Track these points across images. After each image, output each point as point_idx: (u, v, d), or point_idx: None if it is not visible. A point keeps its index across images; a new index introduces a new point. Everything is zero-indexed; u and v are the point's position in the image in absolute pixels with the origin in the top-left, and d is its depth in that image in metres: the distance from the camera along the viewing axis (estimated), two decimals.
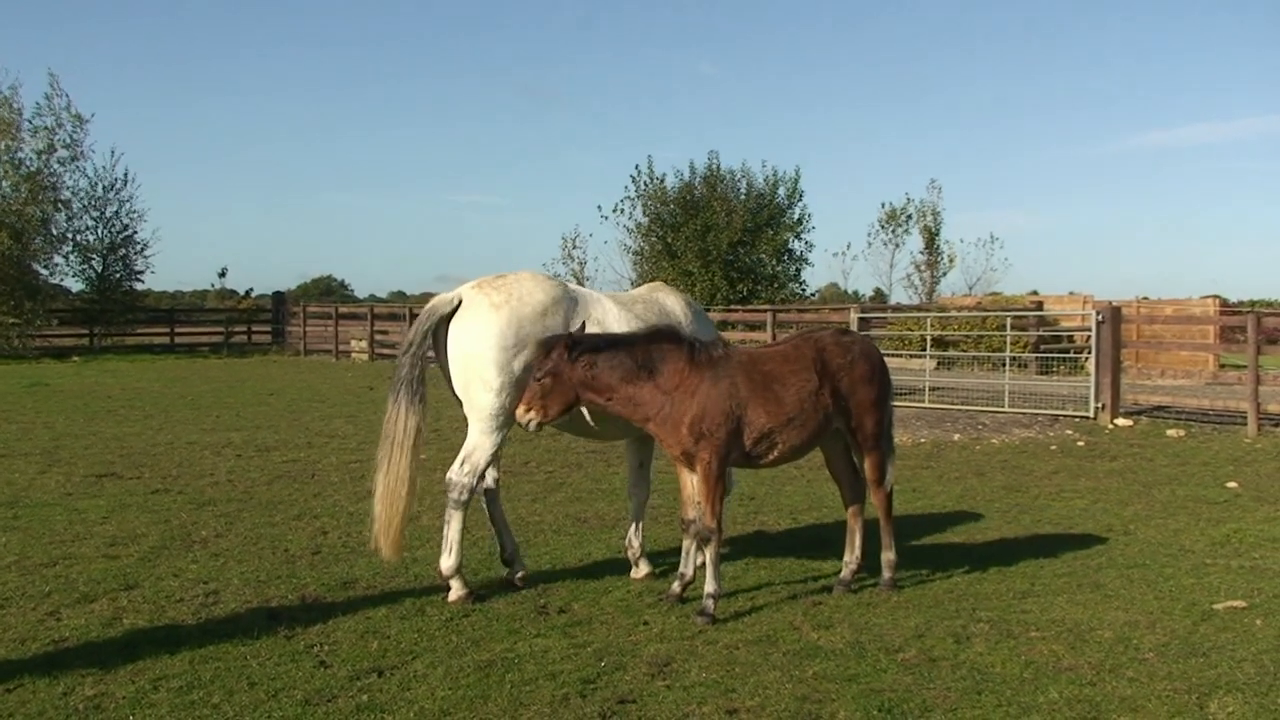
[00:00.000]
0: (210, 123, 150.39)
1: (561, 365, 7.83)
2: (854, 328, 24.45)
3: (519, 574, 8.92)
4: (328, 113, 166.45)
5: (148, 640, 7.37)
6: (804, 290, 51.01)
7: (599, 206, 71.09)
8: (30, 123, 43.13)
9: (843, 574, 8.80)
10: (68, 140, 44.17)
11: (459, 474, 8.53)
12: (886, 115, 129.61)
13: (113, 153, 48.96)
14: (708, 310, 37.38)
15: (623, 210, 50.38)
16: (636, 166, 50.22)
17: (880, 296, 60.09)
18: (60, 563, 9.44)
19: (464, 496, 8.45)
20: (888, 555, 8.82)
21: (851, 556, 8.81)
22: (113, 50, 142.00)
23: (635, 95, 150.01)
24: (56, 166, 44.17)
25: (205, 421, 20.25)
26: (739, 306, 41.43)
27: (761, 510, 12.05)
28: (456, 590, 8.37)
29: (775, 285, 48.05)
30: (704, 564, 8.17)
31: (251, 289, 72.67)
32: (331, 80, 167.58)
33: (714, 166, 48.78)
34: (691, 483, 8.22)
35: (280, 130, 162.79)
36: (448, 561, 8.38)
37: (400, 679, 6.64)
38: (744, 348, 8.72)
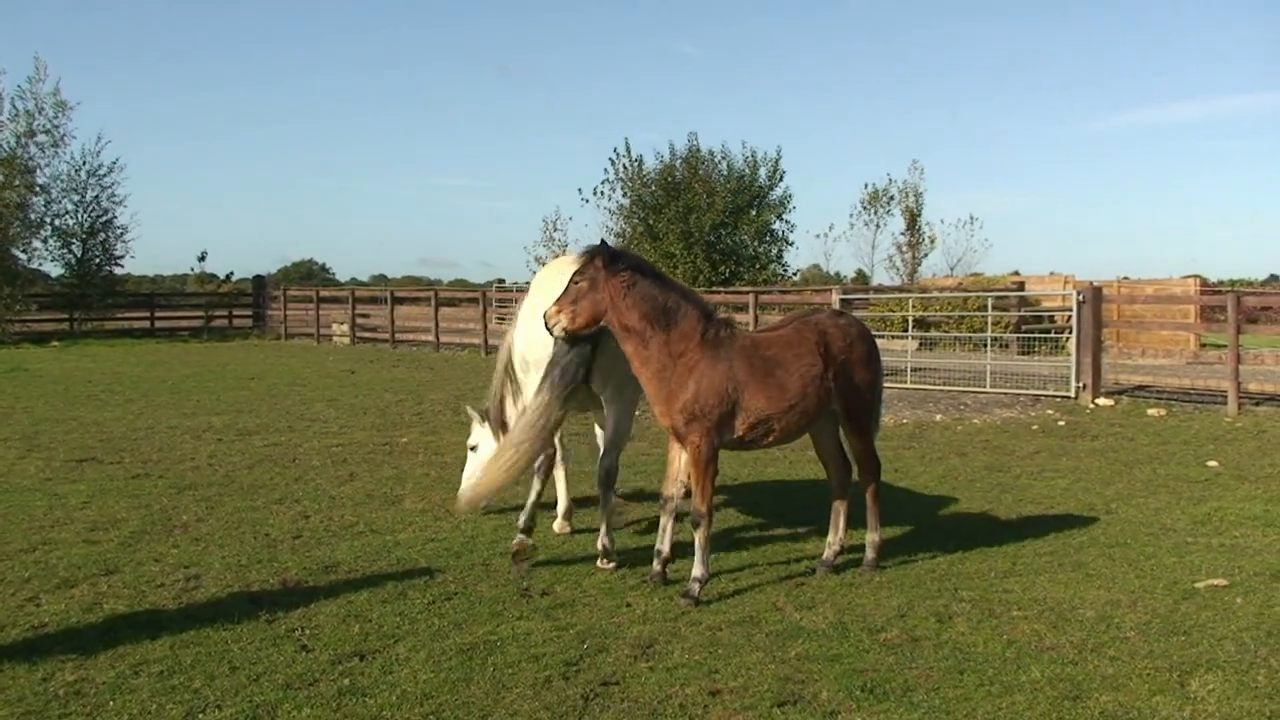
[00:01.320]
0: (189, 106, 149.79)
1: (600, 274, 7.90)
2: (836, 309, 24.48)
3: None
4: (307, 96, 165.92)
5: (128, 625, 7.35)
6: (786, 271, 50.99)
7: (579, 189, 71.10)
8: (13, 105, 42.92)
9: (825, 554, 8.81)
10: (48, 125, 43.94)
11: (615, 459, 9.10)
12: (868, 96, 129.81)
13: (98, 138, 48.81)
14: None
15: (603, 193, 50.28)
16: (615, 149, 50.06)
17: (862, 278, 60.16)
18: (40, 548, 9.40)
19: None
20: (872, 536, 8.82)
21: (835, 538, 8.83)
22: (93, 33, 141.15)
23: (614, 76, 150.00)
24: (35, 150, 43.93)
25: (186, 406, 20.17)
26: (721, 288, 41.38)
27: (744, 492, 12.05)
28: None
29: (757, 266, 48.00)
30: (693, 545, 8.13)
31: (232, 273, 72.49)
32: (311, 64, 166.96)
33: (694, 148, 48.68)
34: (680, 459, 8.22)
35: (260, 114, 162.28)
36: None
37: (382, 662, 6.63)
38: (747, 331, 8.73)
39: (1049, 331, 30.85)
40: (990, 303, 27.16)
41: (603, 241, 8.21)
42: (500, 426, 10.04)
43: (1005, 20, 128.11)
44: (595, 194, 50.17)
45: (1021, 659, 6.67)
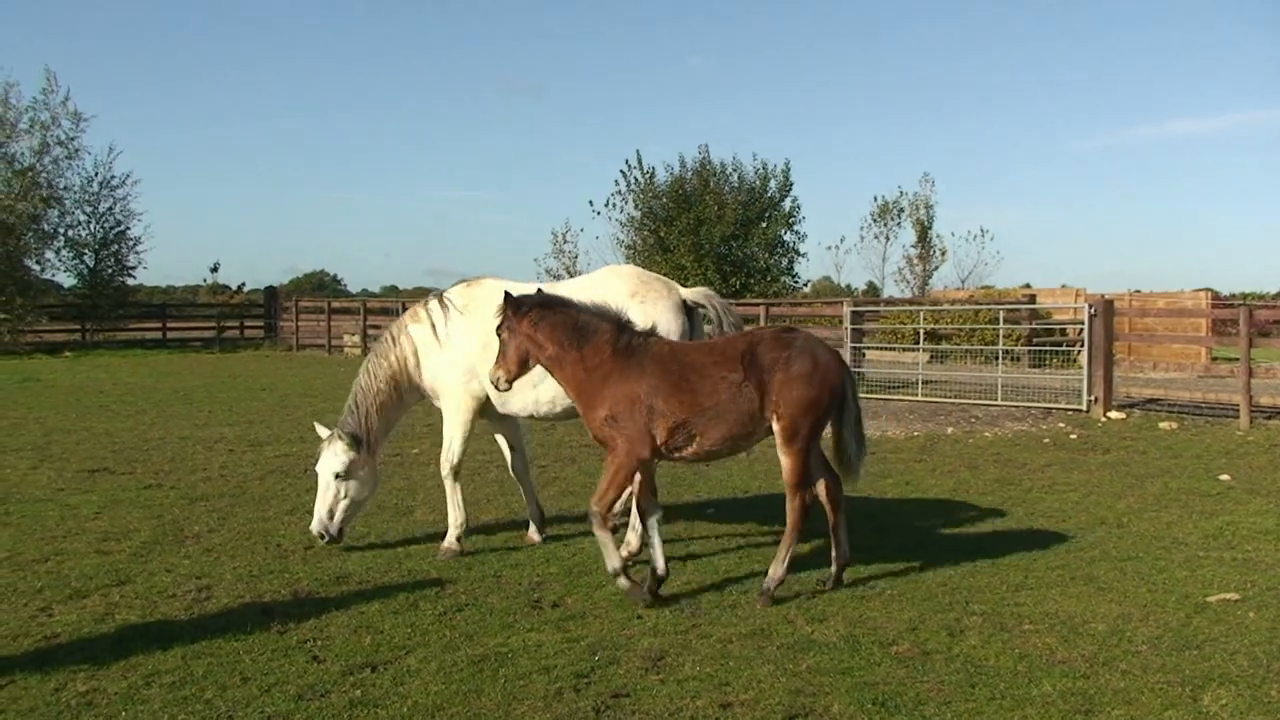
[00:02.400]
0: (201, 118, 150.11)
1: (510, 320, 8.27)
2: (846, 321, 24.48)
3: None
4: (318, 109, 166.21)
5: (140, 636, 7.37)
6: (797, 284, 51.00)
7: (590, 201, 71.06)
8: (27, 116, 43.07)
9: (832, 569, 8.75)
10: (63, 138, 44.11)
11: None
12: (879, 108, 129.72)
13: (110, 150, 48.91)
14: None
15: (614, 205, 50.32)
16: (626, 161, 50.08)
17: (873, 290, 60.08)
18: (52, 559, 9.43)
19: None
20: (778, 569, 8.33)
21: (836, 553, 8.77)
22: (104, 46, 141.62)
23: (625, 89, 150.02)
24: (49, 164, 44.11)
25: (197, 417, 20.22)
26: (732, 300, 41.37)
27: (754, 505, 12.04)
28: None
29: (768, 279, 48.02)
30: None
31: (244, 284, 72.52)
32: (321, 76, 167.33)
33: (705, 160, 48.73)
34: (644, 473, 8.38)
35: (271, 126, 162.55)
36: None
37: (393, 674, 6.64)
38: (668, 340, 8.77)
39: (1060, 344, 30.81)
40: (1001, 315, 27.11)
41: (506, 294, 8.46)
42: (369, 448, 9.96)
43: (1016, 33, 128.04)
44: (606, 206, 50.26)
45: (1033, 673, 6.65)
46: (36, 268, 44.97)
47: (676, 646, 7.12)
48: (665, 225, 47.26)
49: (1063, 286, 41.35)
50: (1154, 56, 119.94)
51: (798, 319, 34.47)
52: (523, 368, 8.37)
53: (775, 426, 8.21)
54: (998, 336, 25.38)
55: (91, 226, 47.54)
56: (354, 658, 6.92)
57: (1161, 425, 18.62)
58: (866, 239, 57.49)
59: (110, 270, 48.30)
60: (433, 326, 10.00)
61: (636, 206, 49.02)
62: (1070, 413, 20.39)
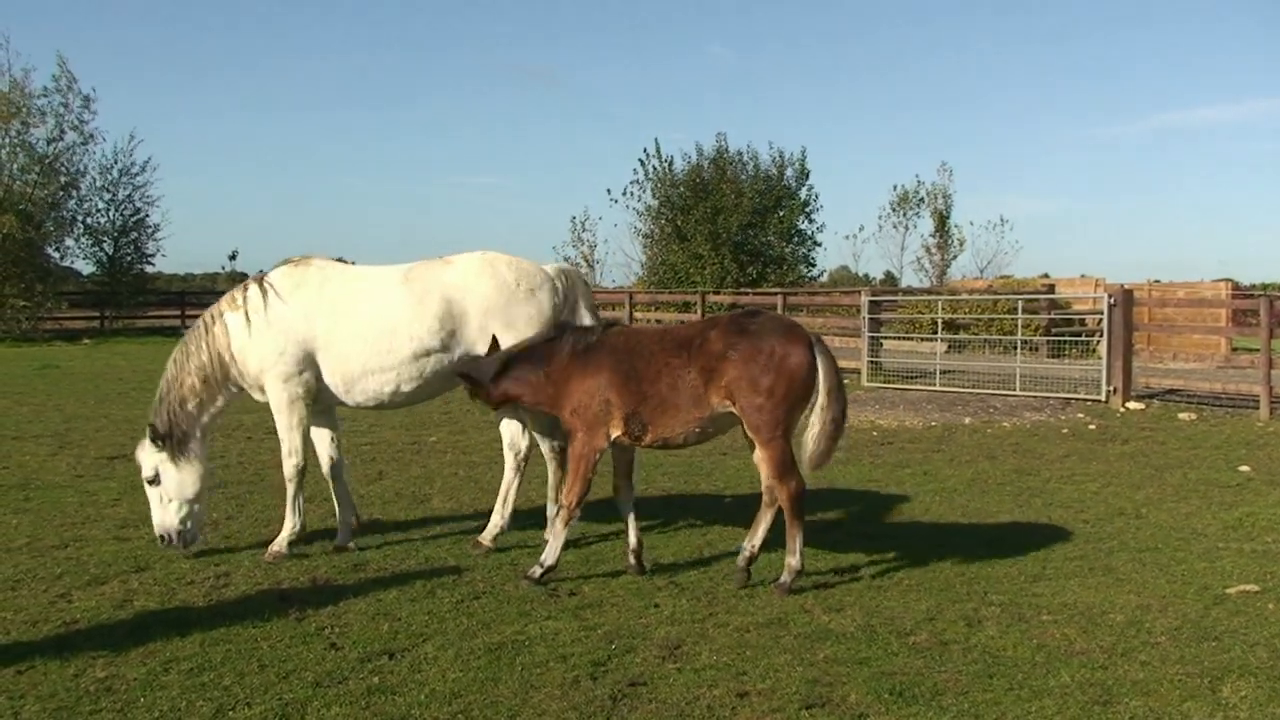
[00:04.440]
0: (218, 106, 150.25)
1: (480, 393, 8.64)
2: (864, 311, 24.41)
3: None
4: (335, 95, 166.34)
5: (158, 622, 7.40)
6: (814, 273, 50.98)
7: (608, 190, 71.08)
8: (39, 102, 43.15)
9: (739, 559, 8.54)
10: (76, 122, 44.21)
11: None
12: (897, 97, 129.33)
13: (131, 137, 49.03)
14: (716, 292, 37.42)
15: (632, 193, 50.37)
16: (645, 150, 50.22)
17: (891, 279, 60.07)
18: (71, 545, 9.47)
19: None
20: (790, 560, 8.28)
21: (749, 542, 8.52)
22: (122, 32, 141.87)
23: (643, 76, 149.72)
24: (65, 150, 44.21)
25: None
26: (749, 289, 41.36)
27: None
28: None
29: (784, 268, 48.00)
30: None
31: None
32: (339, 61, 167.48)
33: (722, 148, 48.72)
34: (621, 459, 8.58)
35: (288, 113, 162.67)
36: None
37: (411, 661, 6.65)
38: (633, 327, 8.88)
39: (1079, 334, 30.73)
40: (1020, 305, 27.03)
41: (466, 375, 8.76)
42: (181, 446, 9.34)
43: (1035, 20, 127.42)
44: (625, 194, 50.29)
45: (1051, 663, 6.64)
46: (56, 255, 45.17)
47: (693, 635, 7.12)
48: (682, 214, 47.29)
49: (1082, 276, 41.19)
50: (1174, 44, 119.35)
51: (815, 308, 34.46)
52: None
53: (739, 414, 8.09)
54: (1016, 326, 25.32)
55: (111, 214, 47.72)
56: (372, 645, 6.93)
57: (1181, 416, 18.55)
58: (884, 228, 57.65)
59: (129, 258, 48.47)
60: (247, 315, 9.40)
61: (654, 195, 49.07)
62: (1089, 403, 20.31)
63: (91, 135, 45.16)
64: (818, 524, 10.40)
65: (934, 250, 55.50)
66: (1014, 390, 21.64)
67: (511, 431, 9.73)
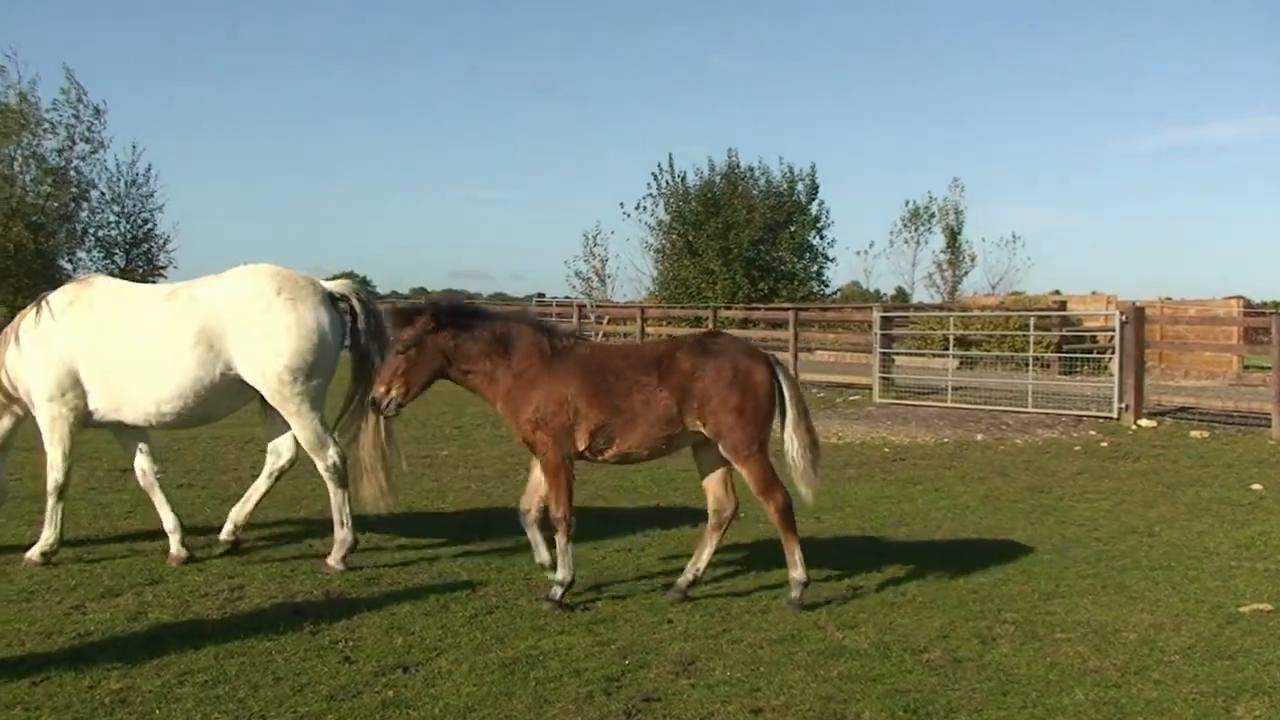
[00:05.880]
0: (229, 118, 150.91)
1: (426, 335, 8.10)
2: (876, 327, 24.40)
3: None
4: (343, 107, 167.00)
5: (173, 635, 7.42)
6: (825, 288, 50.99)
7: (621, 204, 71.08)
8: (49, 115, 43.26)
9: (679, 580, 8.55)
10: (87, 134, 44.29)
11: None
12: (908, 112, 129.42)
13: (134, 147, 49.12)
14: (728, 308, 37.45)
15: (644, 208, 50.47)
16: (659, 164, 50.20)
17: (902, 295, 60.02)
18: (84, 558, 9.49)
19: None
20: (793, 574, 8.32)
21: (691, 565, 8.54)
22: (131, 42, 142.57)
23: (654, 91, 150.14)
24: (77, 160, 44.32)
25: (229, 416, 20.25)
26: (761, 304, 41.37)
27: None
28: None
29: (795, 283, 48.04)
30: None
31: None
32: (346, 73, 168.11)
33: (733, 164, 48.81)
34: (537, 473, 8.44)
35: (295, 126, 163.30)
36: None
37: (425, 675, 6.67)
38: (594, 342, 8.90)
39: (1091, 351, 30.68)
40: (1032, 322, 27.02)
41: (411, 306, 8.48)
42: None
43: (1046, 37, 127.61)
44: (637, 208, 50.39)
45: (1065, 682, 6.64)
46: (68, 266, 45.18)
47: (707, 651, 7.12)
48: (694, 229, 47.36)
49: (1093, 293, 41.23)
50: (1187, 59, 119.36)
51: (826, 324, 34.45)
52: (426, 387, 8.35)
53: (711, 434, 8.15)
54: (1028, 343, 25.31)
55: (121, 226, 47.78)
56: (386, 658, 6.94)
57: (1193, 434, 18.51)
58: (896, 244, 57.46)
59: (141, 269, 48.48)
60: (17, 334, 9.49)
61: (666, 210, 49.16)
62: (1101, 420, 20.28)
63: (102, 144, 45.25)
64: (830, 540, 10.41)
65: (945, 266, 55.48)
66: (1026, 407, 21.60)
67: (280, 438, 9.87)
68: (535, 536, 8.58)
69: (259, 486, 9.75)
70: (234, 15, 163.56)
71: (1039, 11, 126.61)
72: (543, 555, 8.56)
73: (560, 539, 8.22)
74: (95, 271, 46.77)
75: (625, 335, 36.87)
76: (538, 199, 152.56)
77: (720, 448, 8.19)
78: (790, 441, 8.35)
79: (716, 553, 8.59)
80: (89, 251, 46.73)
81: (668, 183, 49.18)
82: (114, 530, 10.53)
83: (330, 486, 9.47)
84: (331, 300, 9.50)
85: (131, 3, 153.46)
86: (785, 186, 48.66)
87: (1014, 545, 10.33)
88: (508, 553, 9.74)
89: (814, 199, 49.09)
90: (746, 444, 8.09)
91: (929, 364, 28.80)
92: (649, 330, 34.75)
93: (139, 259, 48.21)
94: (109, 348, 9.20)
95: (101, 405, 9.35)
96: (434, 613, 7.95)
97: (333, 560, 9.24)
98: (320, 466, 9.50)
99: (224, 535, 9.64)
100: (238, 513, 9.63)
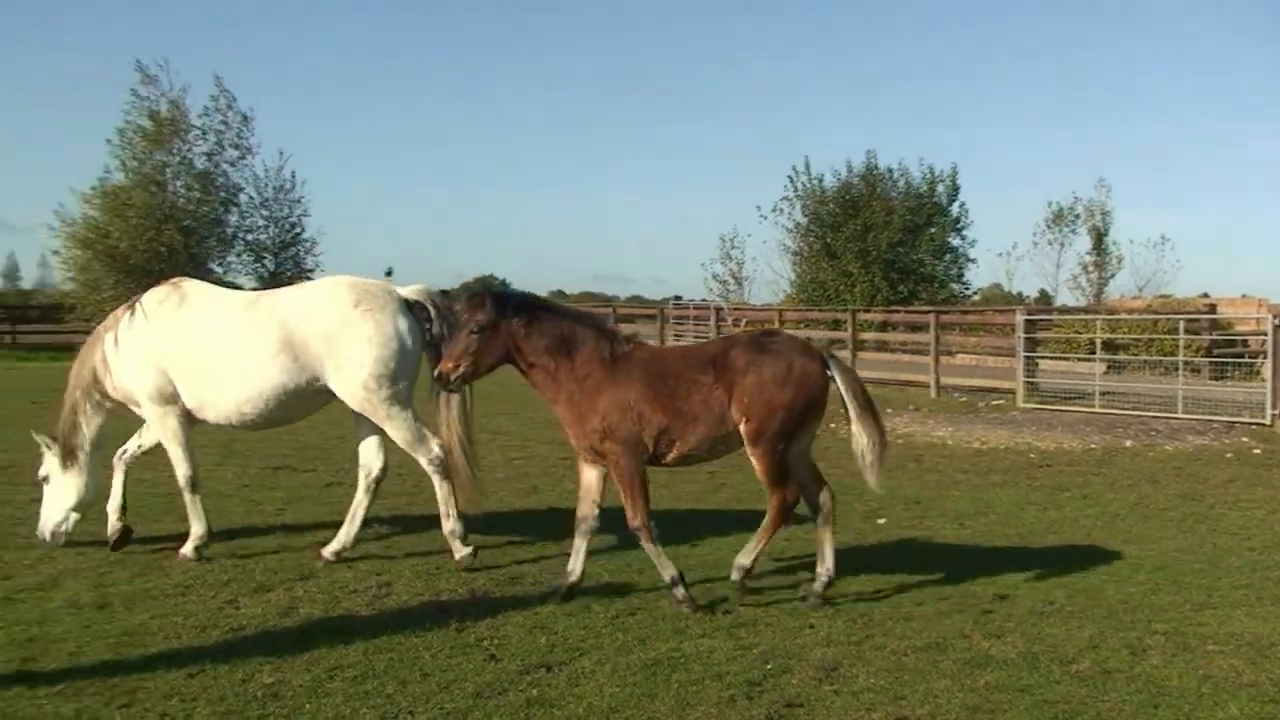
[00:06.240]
0: (374, 123, 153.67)
1: (497, 319, 8.14)
2: (1019, 330, 23.97)
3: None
4: (486, 113, 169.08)
5: (322, 630, 7.60)
6: (966, 291, 50.27)
7: (758, 206, 70.86)
8: (198, 122, 44.43)
9: (814, 585, 8.50)
10: (235, 140, 45.41)
11: None
12: (1052, 109, 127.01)
13: (280, 153, 50.23)
14: (867, 310, 37.14)
15: (781, 210, 50.22)
16: (794, 166, 49.88)
17: (1045, 298, 58.86)
18: (237, 553, 9.75)
19: None
20: (741, 558, 8.48)
21: (825, 571, 8.47)
22: (280, 48, 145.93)
23: (792, 92, 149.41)
24: (226, 166, 45.47)
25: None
26: (900, 307, 40.94)
27: (927, 515, 11.89)
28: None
29: (936, 285, 47.44)
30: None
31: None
32: (489, 81, 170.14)
33: (872, 165, 48.36)
34: (593, 477, 8.51)
35: (439, 131, 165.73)
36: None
37: (569, 675, 6.72)
38: (650, 345, 8.95)
39: (1242, 356, 29.82)
40: (1182, 325, 26.34)
41: (488, 289, 8.56)
42: (69, 455, 9.92)
43: (1192, 36, 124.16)
44: (774, 211, 50.17)
45: (1218, 695, 6.47)
46: (220, 270, 46.36)
47: (850, 657, 7.07)
48: (832, 231, 47.02)
49: (1243, 296, 40.05)
50: None
51: (967, 327, 33.96)
52: (490, 370, 8.37)
53: (743, 428, 8.15)
54: (1177, 347, 24.68)
55: (270, 230, 48.86)
56: (530, 657, 7.02)
57: None
58: (1039, 245, 56.42)
59: (289, 272, 49.53)
60: (116, 335, 9.85)
61: (803, 212, 48.88)
62: (1254, 427, 19.68)
63: (250, 150, 46.35)
64: (975, 547, 10.27)
65: (1091, 268, 54.31)
66: (1175, 412, 21.05)
67: (367, 452, 9.98)
68: (582, 545, 8.53)
69: (360, 502, 9.88)
70: (382, 14, 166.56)
71: (1186, 9, 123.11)
72: (578, 566, 8.51)
73: (647, 545, 8.27)
74: (245, 274, 48.04)
75: None
76: (677, 203, 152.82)
77: (748, 439, 8.18)
78: (857, 436, 8.39)
79: (853, 557, 8.52)
80: (239, 255, 47.88)
81: (804, 184, 48.91)
82: (265, 526, 10.78)
83: (435, 480, 9.72)
84: (408, 307, 9.75)
85: (282, 6, 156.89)
86: (925, 187, 48.06)
87: (1164, 554, 10.08)
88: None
89: (954, 200, 48.46)
90: (769, 439, 8.12)
91: (1074, 368, 28.22)
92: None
93: (287, 262, 49.25)
94: (192, 350, 9.56)
95: (188, 404, 9.72)
96: (576, 613, 8.02)
97: (458, 555, 9.44)
98: (423, 461, 9.75)
99: (329, 551, 9.65)
100: (346, 533, 9.74)
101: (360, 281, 9.88)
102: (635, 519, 8.20)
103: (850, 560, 9.58)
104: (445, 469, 9.66)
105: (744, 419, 8.12)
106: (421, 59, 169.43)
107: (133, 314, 9.79)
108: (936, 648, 7.29)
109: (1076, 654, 7.17)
